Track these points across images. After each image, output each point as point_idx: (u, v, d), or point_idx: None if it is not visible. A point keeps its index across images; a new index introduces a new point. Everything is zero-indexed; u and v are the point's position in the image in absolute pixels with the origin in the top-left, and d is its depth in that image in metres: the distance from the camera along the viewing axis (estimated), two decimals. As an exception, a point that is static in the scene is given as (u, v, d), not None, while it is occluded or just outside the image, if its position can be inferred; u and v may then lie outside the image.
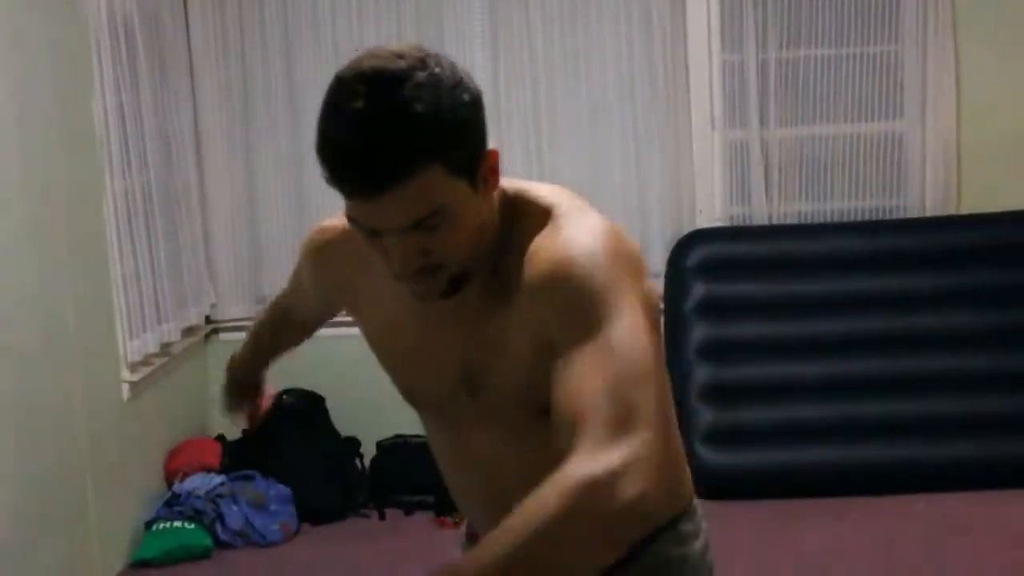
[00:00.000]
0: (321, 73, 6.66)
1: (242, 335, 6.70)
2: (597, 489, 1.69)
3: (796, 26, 6.63)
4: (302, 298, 2.81)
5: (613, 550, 1.80)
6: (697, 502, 2.62)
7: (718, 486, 6.13)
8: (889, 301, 6.43)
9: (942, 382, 6.29)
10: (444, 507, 6.13)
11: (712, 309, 6.48)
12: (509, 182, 2.17)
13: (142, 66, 6.04)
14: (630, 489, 1.70)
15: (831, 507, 6.00)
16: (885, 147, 6.73)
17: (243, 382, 3.34)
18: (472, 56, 6.67)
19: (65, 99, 5.44)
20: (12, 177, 4.92)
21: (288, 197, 6.84)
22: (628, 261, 2.08)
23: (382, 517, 6.33)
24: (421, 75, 1.93)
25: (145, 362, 6.02)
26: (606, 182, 6.75)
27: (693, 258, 6.53)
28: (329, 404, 6.66)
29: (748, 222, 6.75)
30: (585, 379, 1.85)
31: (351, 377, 6.65)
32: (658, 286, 6.54)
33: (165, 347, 6.24)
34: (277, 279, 6.73)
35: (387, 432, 6.60)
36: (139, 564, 5.73)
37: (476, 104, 2.02)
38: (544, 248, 2.03)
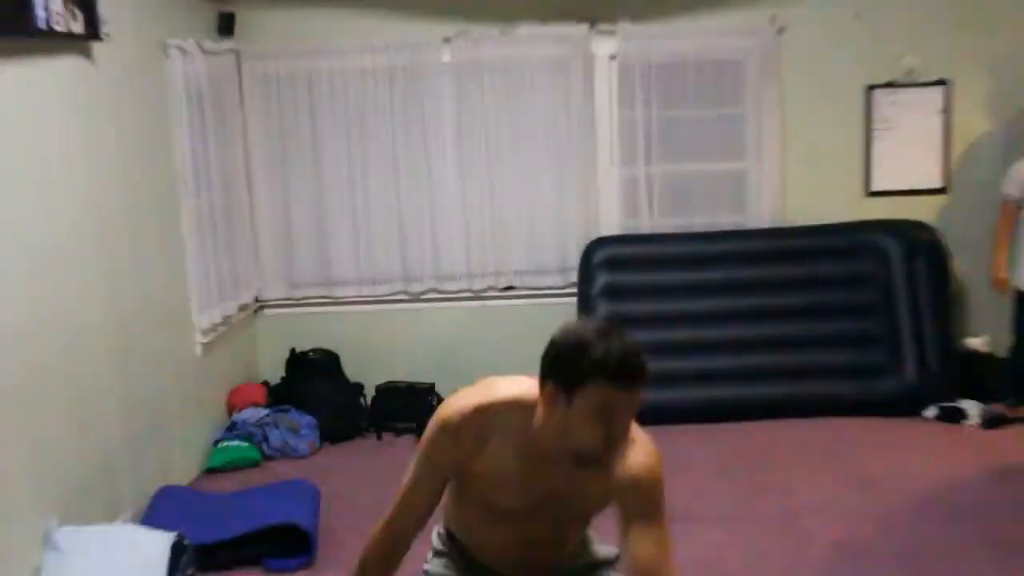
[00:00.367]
0: (335, 127, 6.74)
1: (279, 311, 6.82)
2: None
3: (670, 95, 6.64)
4: (429, 476, 2.49)
5: None
6: None
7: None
8: (736, 286, 6.48)
9: (773, 342, 6.37)
10: (422, 431, 6.19)
11: (611, 293, 6.51)
12: None
13: (209, 120, 6.05)
14: None
15: (699, 430, 6.10)
16: (732, 180, 6.79)
17: None
18: (443, 117, 6.69)
19: (156, 143, 5.46)
20: (116, 198, 4.92)
21: (311, 212, 6.83)
22: None
23: (379, 438, 6.37)
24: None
25: (211, 329, 6.03)
26: (539, 204, 6.78)
27: (598, 256, 6.56)
28: (342, 359, 6.72)
29: (636, 231, 6.75)
30: (661, 547, 2.27)
31: (358, 340, 6.77)
32: (574, 276, 6.69)
33: (226, 319, 6.24)
34: (304, 270, 6.86)
35: (383, 379, 6.68)
36: (209, 471, 5.78)
37: None
38: (641, 455, 2.30)
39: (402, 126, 6.70)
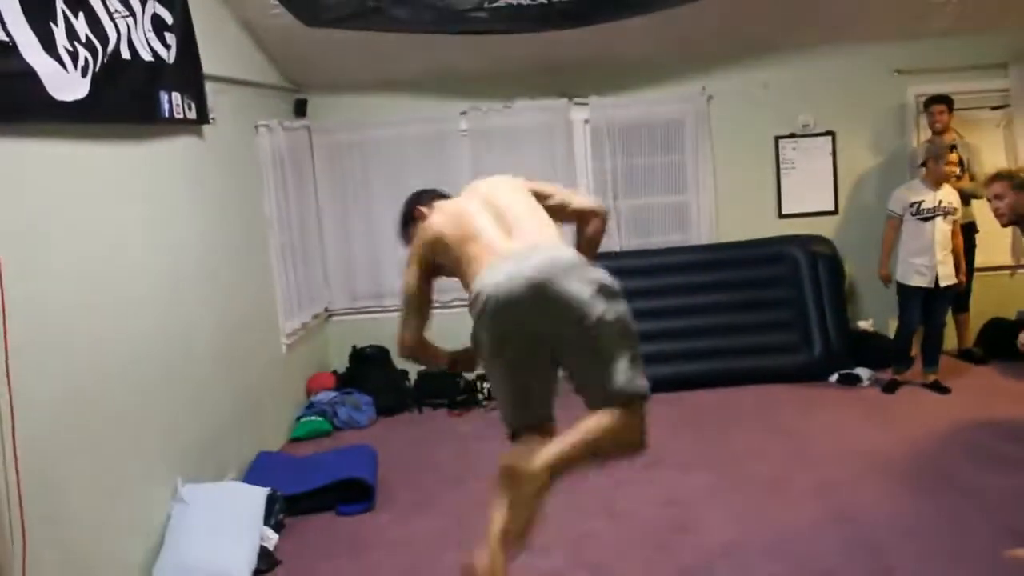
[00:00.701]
0: (382, 179, 6.69)
1: (343, 317, 6.80)
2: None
3: (630, 148, 6.61)
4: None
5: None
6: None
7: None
8: (685, 288, 6.40)
9: (714, 329, 6.29)
10: (453, 406, 6.19)
11: (592, 296, 6.45)
12: None
13: (288, 178, 6.02)
14: None
15: (661, 398, 5.88)
16: (678, 208, 6.74)
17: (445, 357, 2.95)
18: (461, 169, 6.58)
19: (250, 197, 5.45)
20: (221, 238, 4.92)
21: (365, 243, 6.79)
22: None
23: (420, 411, 6.27)
24: None
25: (293, 333, 5.98)
26: (534, 232, 6.73)
27: (581, 270, 6.51)
28: (391, 352, 6.60)
29: (608, 250, 6.52)
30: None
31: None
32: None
33: (304, 325, 6.20)
34: (361, 286, 6.81)
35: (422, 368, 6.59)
36: (293, 440, 5.71)
37: None
38: None
39: (432, 176, 6.59)
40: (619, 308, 2.47)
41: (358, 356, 6.62)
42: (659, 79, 6.62)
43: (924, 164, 5.77)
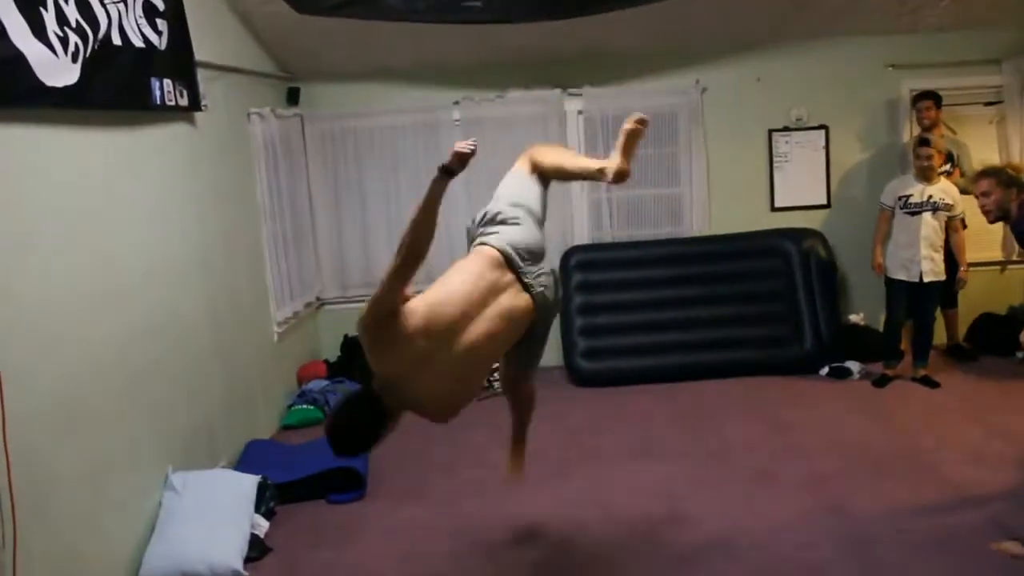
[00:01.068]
0: (374, 169, 6.68)
1: (335, 306, 6.81)
2: None
3: (624, 139, 6.62)
4: None
5: None
6: None
7: (590, 381, 6.23)
8: (677, 280, 6.40)
9: (706, 321, 6.29)
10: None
11: (585, 286, 6.44)
12: None
13: (280, 166, 5.99)
14: None
15: (653, 389, 6.03)
16: (671, 200, 6.72)
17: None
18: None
19: (242, 184, 5.41)
20: (213, 225, 4.89)
21: (357, 232, 6.76)
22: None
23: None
24: None
25: (285, 322, 5.95)
26: (527, 222, 6.71)
27: (574, 260, 6.50)
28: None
29: (602, 240, 6.69)
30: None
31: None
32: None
33: (296, 314, 6.17)
34: (353, 275, 6.80)
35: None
36: (285, 428, 5.70)
37: None
38: None
39: (424, 167, 6.62)
40: None
41: (350, 345, 6.59)
42: (653, 71, 6.60)
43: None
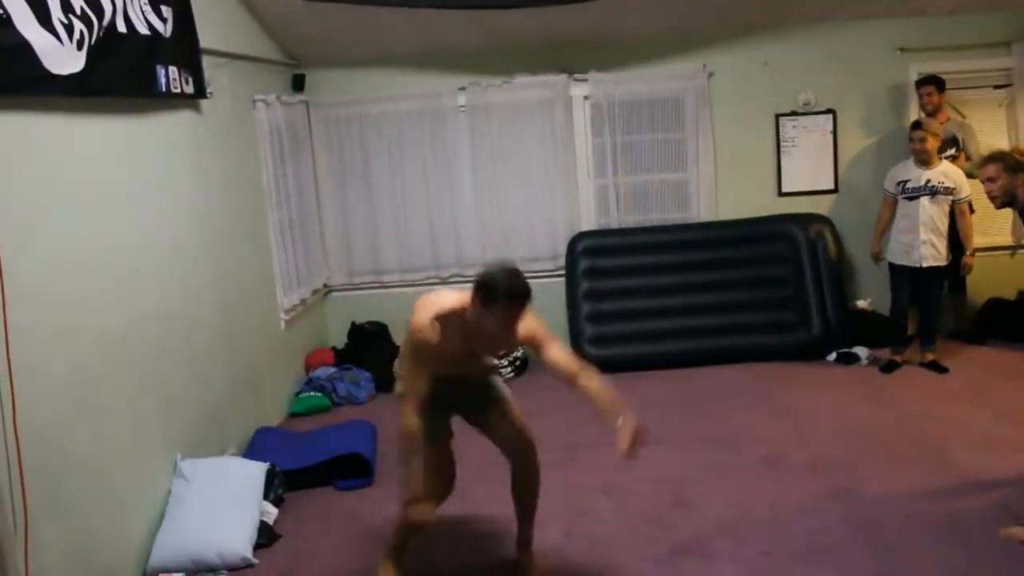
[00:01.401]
0: (380, 155, 6.68)
1: (342, 293, 6.82)
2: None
3: (629, 124, 6.56)
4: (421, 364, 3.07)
5: None
6: None
7: (597, 367, 6.19)
8: (683, 266, 6.39)
9: (712, 307, 6.28)
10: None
11: (591, 272, 6.43)
12: None
13: (286, 153, 5.98)
14: None
15: (660, 375, 6.03)
16: (677, 186, 6.69)
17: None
18: (460, 145, 6.61)
19: (248, 171, 5.40)
20: (219, 212, 4.89)
21: (364, 218, 6.75)
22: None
23: (420, 387, 6.29)
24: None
25: (292, 309, 5.97)
26: (534, 207, 6.68)
27: (580, 246, 6.49)
28: (390, 328, 6.59)
29: (608, 227, 6.67)
30: (564, 350, 3.16)
31: (399, 314, 6.68)
32: (562, 261, 6.62)
33: (303, 300, 6.18)
34: (360, 262, 6.80)
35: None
36: (292, 415, 5.72)
37: None
38: (524, 322, 2.99)
39: (430, 152, 6.65)
40: None
41: (357, 332, 6.60)
42: (660, 56, 6.56)
43: None
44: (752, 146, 6.64)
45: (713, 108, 6.58)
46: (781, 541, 3.64)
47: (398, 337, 6.67)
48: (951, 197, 5.58)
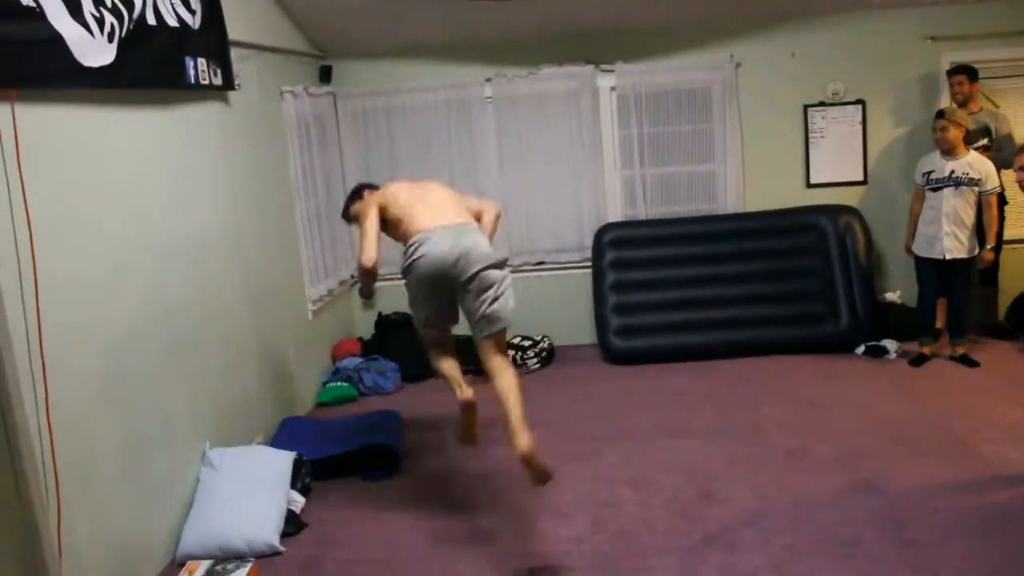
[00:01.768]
0: (407, 145, 6.68)
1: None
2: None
3: (656, 116, 6.54)
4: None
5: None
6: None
7: (623, 359, 6.22)
8: (711, 257, 6.36)
9: (740, 299, 6.24)
10: (480, 372, 6.15)
11: (617, 264, 6.41)
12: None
13: (313, 144, 6.02)
14: None
15: (687, 367, 6.02)
16: (705, 177, 6.65)
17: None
18: (487, 136, 6.62)
19: (275, 162, 5.43)
20: (247, 203, 4.92)
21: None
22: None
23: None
24: None
25: (319, 300, 6.01)
26: (561, 199, 6.68)
27: (607, 237, 6.47)
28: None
29: (635, 218, 6.65)
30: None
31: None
32: (588, 252, 6.61)
33: (330, 291, 6.22)
34: (391, 254, 6.74)
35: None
36: (320, 405, 5.76)
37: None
38: None
39: (456, 144, 6.66)
40: (498, 272, 3.82)
41: (383, 323, 6.63)
42: (686, 46, 6.52)
43: None
44: (780, 137, 6.59)
45: (740, 99, 6.54)
46: (806, 533, 3.62)
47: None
48: (977, 188, 5.50)
